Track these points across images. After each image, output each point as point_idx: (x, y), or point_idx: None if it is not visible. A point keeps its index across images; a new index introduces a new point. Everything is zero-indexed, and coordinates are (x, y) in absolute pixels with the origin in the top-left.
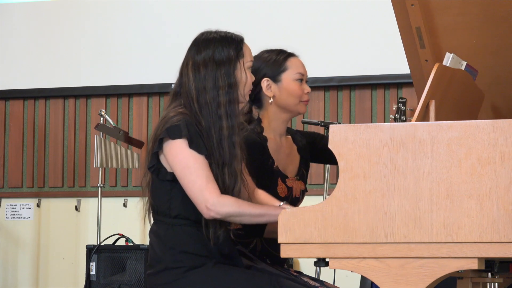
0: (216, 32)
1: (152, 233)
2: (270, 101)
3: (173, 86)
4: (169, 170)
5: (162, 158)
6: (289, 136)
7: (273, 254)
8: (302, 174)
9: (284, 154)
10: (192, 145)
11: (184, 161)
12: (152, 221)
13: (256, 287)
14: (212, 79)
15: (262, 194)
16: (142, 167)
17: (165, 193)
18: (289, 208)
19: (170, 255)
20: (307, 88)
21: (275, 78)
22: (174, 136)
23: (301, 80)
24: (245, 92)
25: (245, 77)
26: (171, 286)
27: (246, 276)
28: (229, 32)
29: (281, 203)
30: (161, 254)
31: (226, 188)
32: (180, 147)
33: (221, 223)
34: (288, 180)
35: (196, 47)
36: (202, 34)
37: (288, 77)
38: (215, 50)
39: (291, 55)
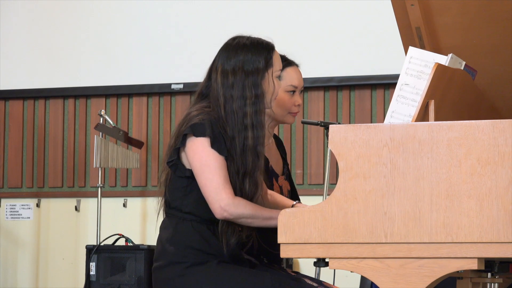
0: (248, 38)
1: (162, 226)
2: None
3: (177, 86)
4: (187, 166)
5: (182, 155)
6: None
7: (271, 252)
8: (287, 174)
9: (271, 154)
10: (214, 145)
11: (204, 158)
12: (164, 216)
13: (257, 286)
14: (239, 88)
15: (274, 195)
16: (142, 167)
17: (180, 189)
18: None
19: (175, 249)
20: (298, 101)
21: None
22: (198, 134)
23: (293, 92)
24: (272, 99)
25: (272, 87)
26: (175, 282)
27: (248, 276)
28: (260, 39)
29: (295, 202)
30: (167, 246)
31: (244, 196)
32: (202, 145)
33: (233, 231)
34: (279, 179)
35: (227, 53)
36: (234, 39)
37: (280, 87)
38: (245, 59)
39: (289, 64)
